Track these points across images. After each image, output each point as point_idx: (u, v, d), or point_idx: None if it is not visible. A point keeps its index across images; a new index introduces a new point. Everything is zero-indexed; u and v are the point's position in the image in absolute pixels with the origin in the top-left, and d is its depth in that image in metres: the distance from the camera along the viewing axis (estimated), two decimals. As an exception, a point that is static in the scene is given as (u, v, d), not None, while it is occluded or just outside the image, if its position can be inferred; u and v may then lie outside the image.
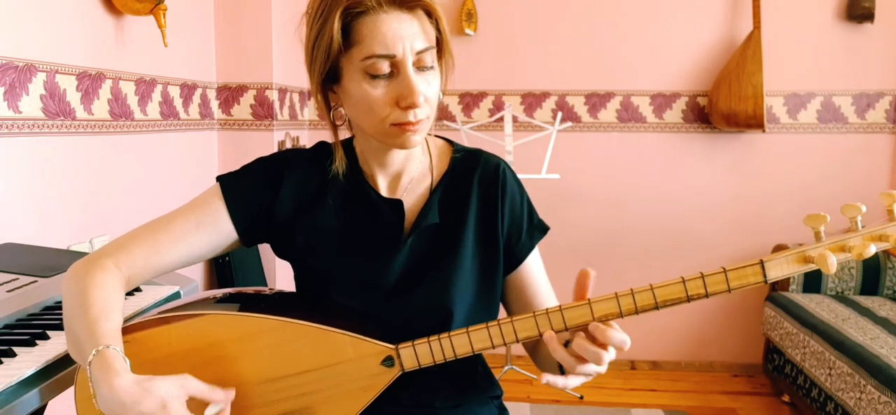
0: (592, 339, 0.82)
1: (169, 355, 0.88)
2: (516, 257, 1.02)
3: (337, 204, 1.00)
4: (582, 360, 0.82)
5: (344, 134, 1.04)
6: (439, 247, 0.98)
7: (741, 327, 3.14)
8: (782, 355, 2.73)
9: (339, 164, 0.99)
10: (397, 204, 0.99)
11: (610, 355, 0.81)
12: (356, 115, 0.92)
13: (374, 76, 0.87)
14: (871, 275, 2.79)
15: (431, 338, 0.87)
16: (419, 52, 0.87)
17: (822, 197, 3.01)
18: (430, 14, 0.89)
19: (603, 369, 0.82)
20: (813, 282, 2.81)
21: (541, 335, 0.85)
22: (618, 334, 0.81)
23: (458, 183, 1.01)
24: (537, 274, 1.04)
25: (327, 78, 0.92)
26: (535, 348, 1.04)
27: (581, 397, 2.81)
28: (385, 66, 0.87)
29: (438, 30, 0.91)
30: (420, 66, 0.88)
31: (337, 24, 0.85)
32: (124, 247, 0.93)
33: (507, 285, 1.04)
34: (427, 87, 0.89)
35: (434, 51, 0.90)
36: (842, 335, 2.27)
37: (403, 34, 0.86)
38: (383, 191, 1.01)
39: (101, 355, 0.79)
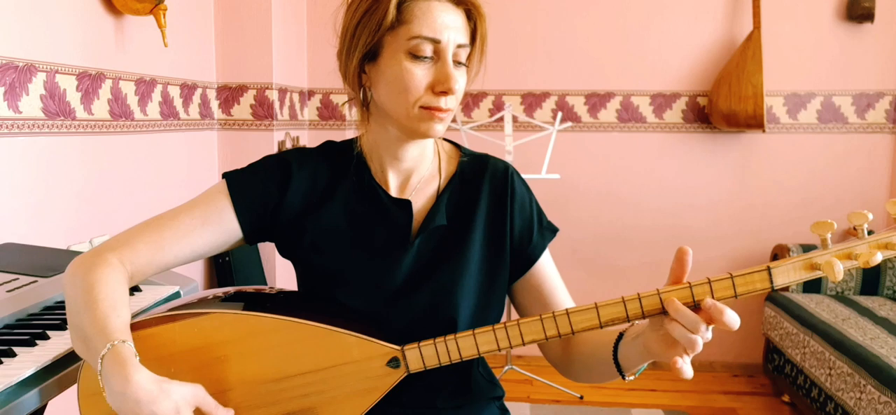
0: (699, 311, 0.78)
1: (172, 354, 0.88)
2: (529, 258, 1.03)
3: (345, 203, 1.00)
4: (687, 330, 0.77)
5: (352, 133, 1.04)
6: (446, 249, 0.98)
7: (741, 327, 3.10)
8: (782, 355, 2.73)
9: (365, 136, 1.01)
10: (406, 204, 0.99)
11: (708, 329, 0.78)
12: (387, 94, 0.93)
13: (417, 57, 0.90)
14: (871, 275, 2.80)
15: (437, 340, 0.87)
16: (458, 47, 0.92)
17: (822, 197, 3.01)
18: (469, 15, 0.94)
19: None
20: (813, 282, 2.81)
21: (546, 339, 0.85)
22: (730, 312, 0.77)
23: (466, 186, 1.02)
24: (551, 274, 1.05)
25: (366, 56, 0.94)
26: (564, 353, 1.04)
27: (581, 398, 2.81)
28: (428, 49, 0.90)
29: (474, 34, 0.95)
30: (455, 60, 0.92)
31: (394, 0, 0.89)
32: (128, 242, 0.92)
33: (522, 287, 1.05)
34: (458, 81, 0.92)
35: (468, 50, 0.94)
36: (842, 335, 2.27)
37: (450, 24, 0.91)
38: (393, 190, 1.01)
39: (116, 350, 0.79)
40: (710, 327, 0.78)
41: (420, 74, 0.90)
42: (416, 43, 0.89)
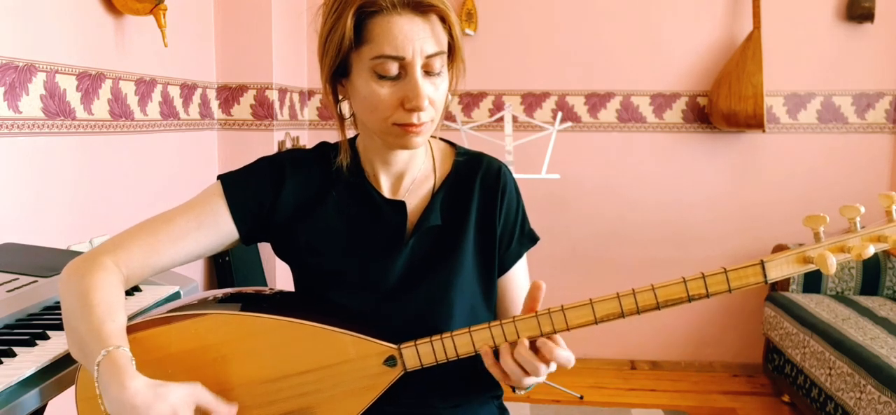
0: (537, 352, 0.84)
1: (170, 355, 0.88)
2: (503, 264, 1.03)
3: (339, 204, 1.00)
4: (521, 370, 0.84)
5: (349, 132, 1.04)
6: (440, 248, 0.98)
7: (741, 327, 3.14)
8: (782, 355, 2.73)
9: (344, 157, 1.00)
10: (400, 205, 0.99)
11: (548, 368, 0.84)
12: (361, 111, 0.93)
13: (382, 76, 0.87)
14: (871, 275, 2.79)
15: (433, 337, 0.88)
16: (429, 57, 0.87)
17: (822, 197, 3.01)
18: (443, 19, 0.89)
19: (539, 379, 0.85)
20: (813, 282, 2.81)
21: (542, 335, 0.86)
22: (564, 351, 0.84)
23: (460, 186, 1.02)
24: (520, 285, 1.05)
25: (337, 72, 0.92)
26: None
27: (581, 397, 2.81)
28: (393, 68, 0.87)
29: (451, 35, 0.91)
30: (428, 71, 0.89)
31: (350, 22, 0.86)
32: (123, 245, 0.92)
33: None
34: (433, 91, 0.89)
35: (444, 56, 0.90)
36: (842, 335, 2.27)
37: (414, 37, 0.86)
38: (386, 191, 1.01)
39: (111, 357, 0.78)
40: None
41: (388, 93, 0.88)
42: (379, 62, 0.86)
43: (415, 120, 0.88)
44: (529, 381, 0.86)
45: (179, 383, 0.80)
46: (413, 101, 0.87)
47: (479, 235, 1.00)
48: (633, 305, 0.82)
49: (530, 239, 1.05)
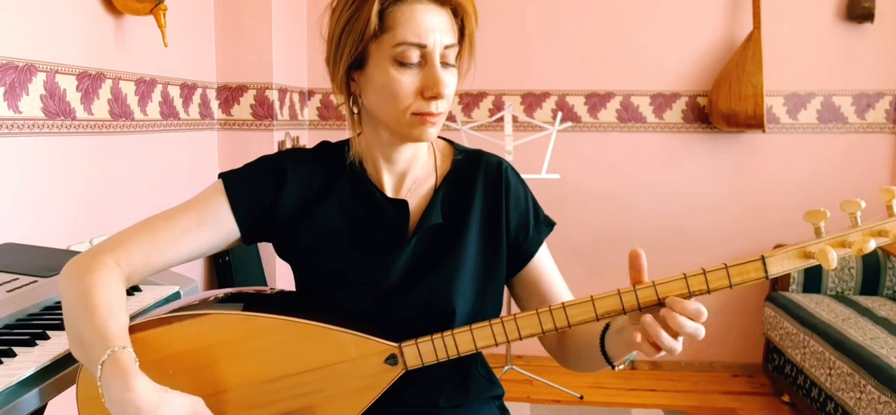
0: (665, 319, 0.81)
1: (171, 355, 0.88)
2: (526, 253, 1.03)
3: (341, 203, 1.00)
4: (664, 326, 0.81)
5: (349, 134, 1.04)
6: (442, 247, 0.98)
7: (741, 327, 3.14)
8: (782, 355, 2.73)
9: (355, 154, 1.01)
10: (402, 204, 0.99)
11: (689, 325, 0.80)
12: (377, 102, 0.93)
13: (403, 64, 0.89)
14: (871, 275, 2.79)
15: (434, 336, 0.88)
16: (446, 47, 0.90)
17: (822, 197, 3.01)
18: (455, 13, 0.92)
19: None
20: (813, 282, 2.81)
21: (543, 333, 0.86)
22: (692, 303, 0.80)
23: (460, 183, 1.02)
24: (549, 268, 1.05)
25: (352, 65, 0.93)
26: (560, 343, 1.05)
27: (581, 397, 2.80)
28: (415, 55, 0.88)
29: (462, 32, 0.93)
30: (444, 62, 0.91)
31: (375, 8, 0.87)
32: (124, 244, 0.92)
33: (520, 282, 1.05)
34: (449, 83, 0.91)
35: (456, 50, 0.92)
36: (842, 335, 2.27)
37: (435, 27, 0.88)
38: (388, 190, 1.01)
39: (116, 357, 0.78)
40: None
41: (408, 81, 0.89)
42: (401, 50, 0.88)
43: (433, 109, 0.90)
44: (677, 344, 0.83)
45: (182, 393, 0.80)
46: (433, 88, 0.89)
47: (482, 233, 1.00)
48: (634, 301, 0.82)
49: (547, 224, 1.05)
